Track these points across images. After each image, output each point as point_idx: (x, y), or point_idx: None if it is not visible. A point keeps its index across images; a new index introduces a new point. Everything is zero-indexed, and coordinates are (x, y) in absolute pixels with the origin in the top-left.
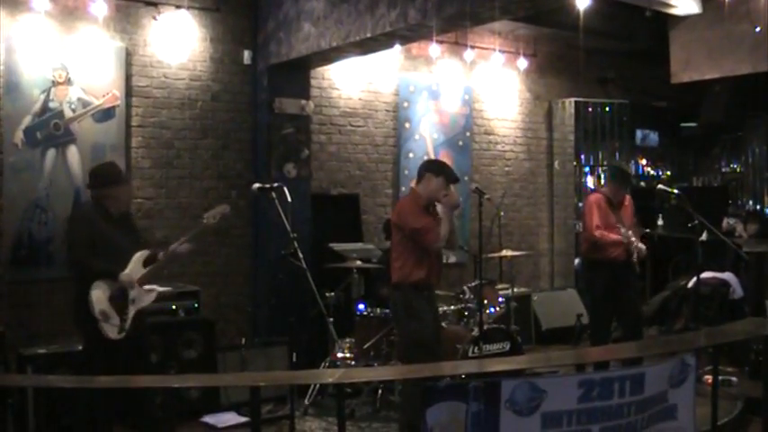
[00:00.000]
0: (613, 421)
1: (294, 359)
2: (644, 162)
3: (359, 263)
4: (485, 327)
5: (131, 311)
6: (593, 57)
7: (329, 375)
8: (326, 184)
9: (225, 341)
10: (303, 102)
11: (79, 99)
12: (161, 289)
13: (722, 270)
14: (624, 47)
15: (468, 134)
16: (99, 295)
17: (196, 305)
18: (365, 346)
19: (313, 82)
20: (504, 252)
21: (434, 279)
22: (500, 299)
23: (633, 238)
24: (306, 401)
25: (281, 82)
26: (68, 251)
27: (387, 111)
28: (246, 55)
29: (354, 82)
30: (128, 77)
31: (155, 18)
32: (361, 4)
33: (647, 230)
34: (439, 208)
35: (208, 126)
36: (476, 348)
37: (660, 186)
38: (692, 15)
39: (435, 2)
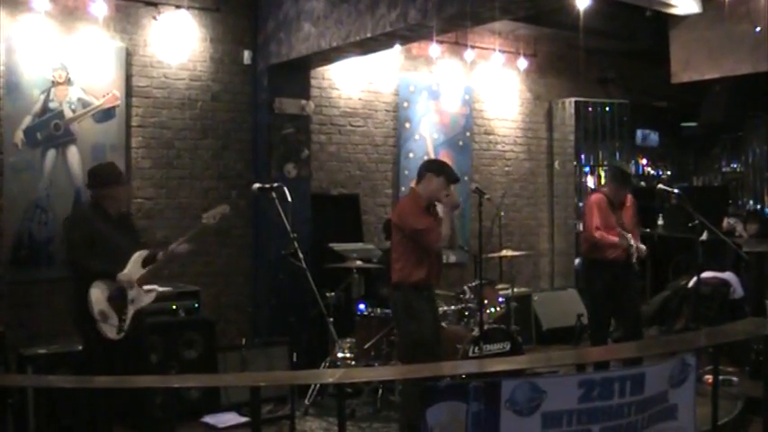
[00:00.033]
0: (614, 421)
1: (294, 359)
2: (644, 162)
3: (359, 263)
4: (485, 327)
5: (130, 312)
6: (594, 57)
7: (330, 375)
8: (327, 185)
9: (225, 341)
10: (303, 102)
11: (79, 99)
12: (161, 289)
13: (723, 270)
14: (624, 47)
15: (468, 134)
16: (98, 295)
17: (196, 305)
18: (365, 346)
19: (313, 82)
20: (505, 252)
21: (434, 279)
22: (500, 299)
23: (632, 242)
24: (306, 401)
25: (281, 82)
26: (67, 251)
27: (387, 111)
28: (246, 55)
29: (354, 82)
30: (128, 77)
31: (155, 18)
32: (361, 4)
33: (648, 231)
34: (439, 208)
35: (208, 126)
36: (476, 348)
37: (660, 186)
38: (693, 15)
39: (435, 2)
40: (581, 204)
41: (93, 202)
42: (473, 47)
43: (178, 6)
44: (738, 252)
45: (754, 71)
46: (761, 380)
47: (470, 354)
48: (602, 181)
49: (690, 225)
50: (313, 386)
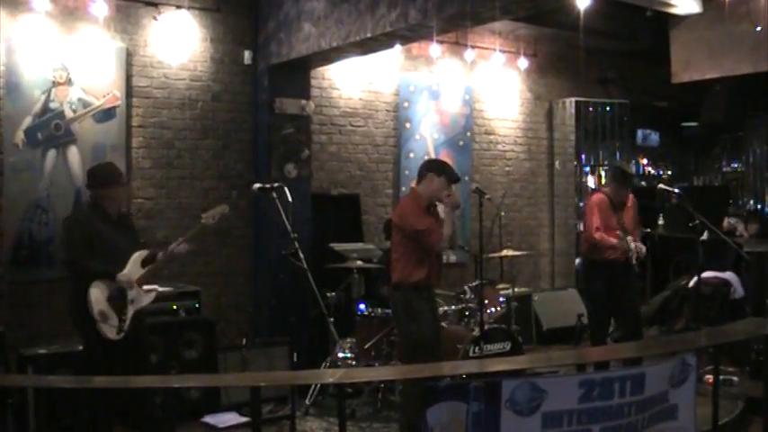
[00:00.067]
0: (614, 421)
1: (295, 359)
2: (645, 162)
3: (359, 263)
4: (485, 327)
5: (130, 312)
6: (594, 57)
7: (330, 375)
8: (327, 185)
9: (225, 341)
10: (303, 102)
11: (80, 99)
12: (161, 289)
13: (723, 270)
14: (625, 47)
15: (468, 134)
16: (97, 295)
17: (197, 305)
18: (366, 346)
19: (313, 82)
20: (505, 252)
21: (435, 280)
22: (501, 299)
23: (632, 245)
24: (307, 401)
25: (281, 82)
26: (66, 251)
27: (387, 111)
28: (247, 55)
29: (355, 82)
30: (128, 78)
31: (155, 18)
32: (361, 4)
33: (648, 230)
34: (440, 208)
35: (208, 126)
36: (476, 348)
37: (661, 186)
38: (693, 15)
39: (436, 2)
40: (581, 204)
41: (93, 202)
42: (473, 47)
43: (178, 6)
44: (739, 252)
45: (755, 71)
46: (761, 380)
47: (471, 354)
48: (603, 181)
49: (690, 225)
50: (313, 386)
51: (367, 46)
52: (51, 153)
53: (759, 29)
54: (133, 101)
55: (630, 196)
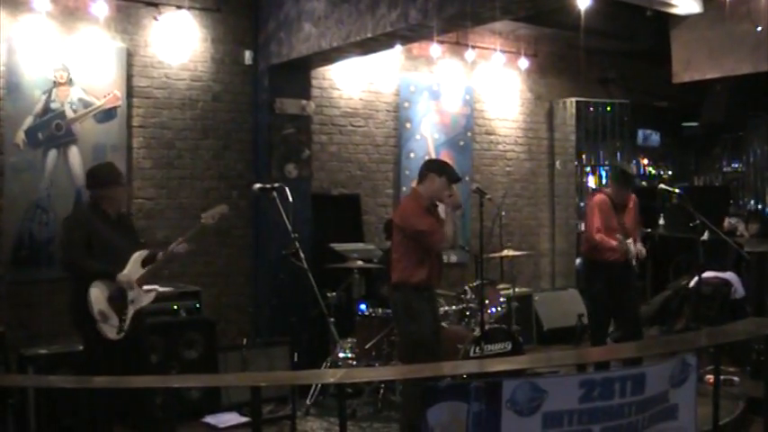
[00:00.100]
0: (614, 421)
1: (295, 359)
2: (645, 162)
3: (360, 263)
4: (486, 327)
5: (130, 312)
6: (594, 57)
7: (330, 375)
8: (327, 185)
9: (226, 341)
10: (304, 102)
11: (80, 99)
12: (161, 289)
13: (724, 270)
14: (625, 47)
15: (469, 134)
16: (98, 295)
17: (197, 305)
18: (366, 347)
19: (314, 82)
20: (506, 252)
21: (435, 280)
22: (501, 299)
23: (632, 247)
24: (307, 402)
25: (281, 82)
26: (64, 251)
27: (388, 111)
28: (247, 55)
29: (355, 82)
30: (129, 78)
31: (155, 18)
32: (361, 5)
33: (649, 230)
34: (441, 208)
35: (209, 126)
36: (477, 348)
37: (661, 186)
38: (693, 15)
39: (436, 2)
40: (582, 204)
41: (92, 202)
42: (474, 47)
43: (179, 7)
44: (740, 252)
45: (755, 71)
46: (762, 380)
47: (471, 354)
48: (603, 181)
49: (691, 225)
50: (314, 386)
51: (367, 46)
52: (52, 153)
53: (759, 29)
54: (134, 101)
55: (632, 197)
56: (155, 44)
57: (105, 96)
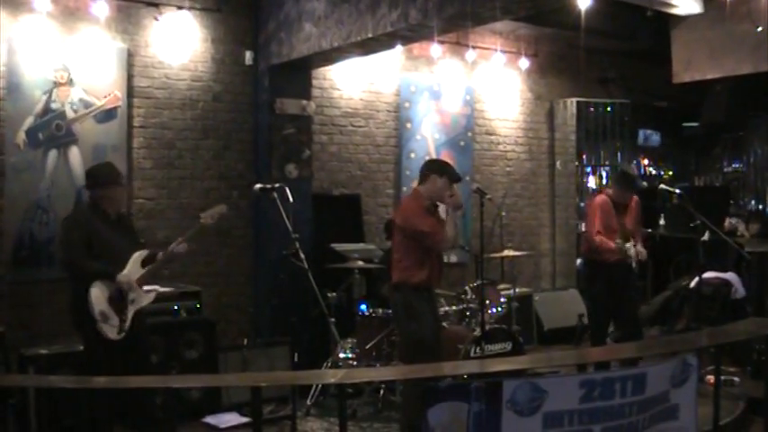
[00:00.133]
0: (615, 421)
1: (296, 359)
2: (646, 162)
3: (360, 263)
4: (486, 327)
5: (130, 312)
6: (595, 57)
7: (331, 376)
8: (328, 185)
9: (226, 341)
10: (304, 102)
11: (81, 100)
12: (161, 289)
13: (724, 270)
14: (625, 47)
15: (469, 134)
16: (98, 296)
17: (198, 305)
18: (367, 347)
19: (314, 82)
20: (506, 252)
21: (436, 280)
22: (501, 299)
23: (632, 250)
24: (308, 402)
25: (282, 82)
26: (64, 251)
27: (388, 111)
28: (248, 55)
29: (355, 82)
30: (129, 78)
31: (156, 19)
32: (362, 5)
33: (649, 230)
34: (441, 208)
35: (209, 126)
36: (477, 348)
37: (662, 186)
38: (694, 15)
39: (436, 2)
40: (582, 204)
41: (92, 202)
42: (474, 47)
43: (179, 7)
44: (740, 252)
45: (756, 71)
46: (762, 380)
47: (472, 354)
48: (604, 181)
49: (691, 225)
50: (314, 386)
51: (368, 46)
52: (52, 153)
53: (760, 29)
54: (134, 101)
55: (634, 197)
56: (155, 44)
57: (106, 96)
